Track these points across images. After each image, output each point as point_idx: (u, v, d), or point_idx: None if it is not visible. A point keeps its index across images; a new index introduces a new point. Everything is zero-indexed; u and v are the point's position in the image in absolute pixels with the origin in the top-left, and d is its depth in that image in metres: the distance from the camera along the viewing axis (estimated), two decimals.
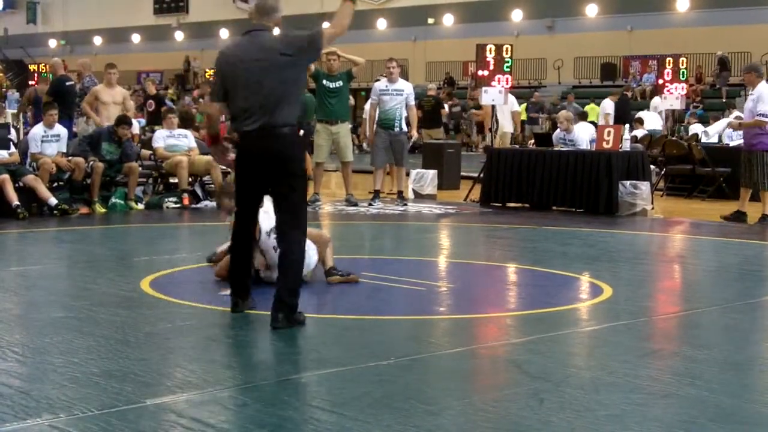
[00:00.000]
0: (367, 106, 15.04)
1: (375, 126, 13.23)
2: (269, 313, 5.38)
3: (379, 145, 13.06)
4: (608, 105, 19.05)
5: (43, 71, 25.95)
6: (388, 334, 5.51)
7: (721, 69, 29.31)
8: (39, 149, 11.48)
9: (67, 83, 14.00)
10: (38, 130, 11.70)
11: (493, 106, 14.86)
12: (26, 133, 13.22)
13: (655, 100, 20.99)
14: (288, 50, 5.40)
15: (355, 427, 3.68)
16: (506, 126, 17.40)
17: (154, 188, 13.20)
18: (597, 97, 31.44)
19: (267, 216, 6.15)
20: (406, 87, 13.14)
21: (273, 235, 6.11)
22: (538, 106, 27.38)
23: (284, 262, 5.40)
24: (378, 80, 14.62)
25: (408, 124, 13.36)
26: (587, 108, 22.43)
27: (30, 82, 26.95)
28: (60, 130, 11.73)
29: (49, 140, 11.59)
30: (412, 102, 13.29)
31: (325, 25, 5.85)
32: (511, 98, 18.00)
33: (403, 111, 13.01)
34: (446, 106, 27.40)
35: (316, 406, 3.95)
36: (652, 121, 19.55)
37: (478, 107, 20.67)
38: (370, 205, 12.85)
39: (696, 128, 19.56)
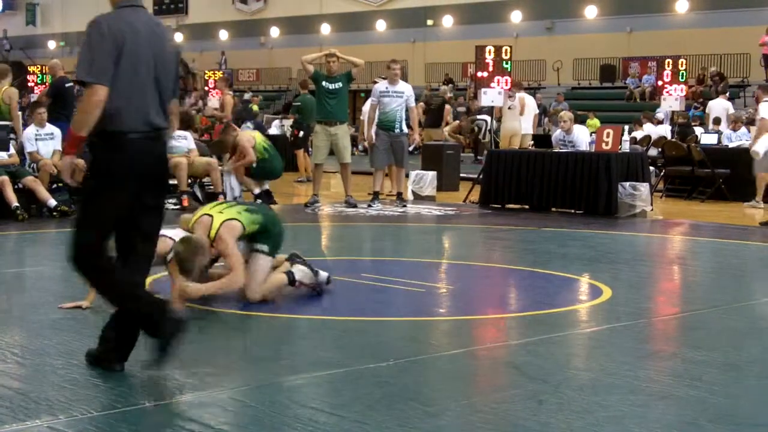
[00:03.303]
0: (366, 107, 15.05)
1: (375, 127, 13.23)
2: (269, 314, 5.38)
3: (380, 147, 13.06)
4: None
5: (41, 72, 25.90)
6: (388, 335, 5.51)
7: (720, 79, 29.38)
8: (35, 147, 11.52)
9: (67, 84, 13.99)
10: (31, 129, 11.77)
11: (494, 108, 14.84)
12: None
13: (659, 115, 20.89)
14: None
15: (354, 429, 3.68)
16: (527, 128, 17.36)
17: None
18: (596, 98, 31.54)
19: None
20: (407, 89, 13.15)
21: (241, 244, 6.15)
22: (540, 108, 27.37)
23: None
24: (376, 82, 14.63)
25: (409, 126, 13.36)
26: (588, 122, 22.46)
27: (29, 84, 26.92)
28: (53, 128, 11.77)
29: (43, 139, 11.63)
30: (413, 104, 13.30)
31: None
32: (531, 100, 18.03)
33: (404, 113, 13.02)
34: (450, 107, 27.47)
35: (315, 408, 3.94)
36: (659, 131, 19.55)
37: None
38: (369, 206, 12.85)
39: (696, 130, 19.59)
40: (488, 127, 20.69)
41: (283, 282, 6.28)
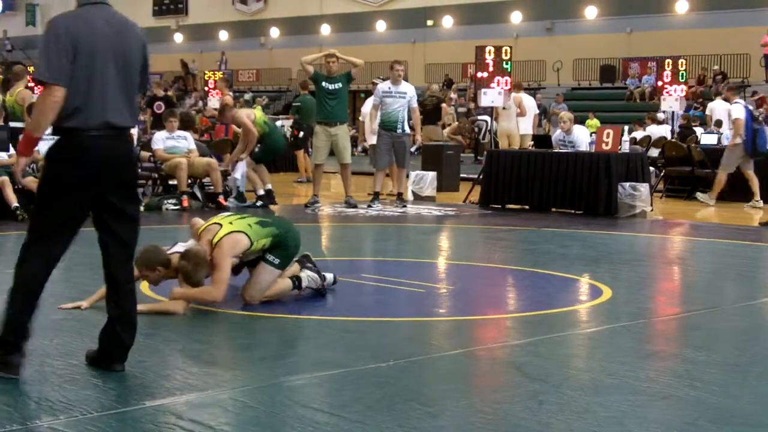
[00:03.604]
0: (366, 108, 15.05)
1: (377, 128, 13.25)
2: (269, 315, 5.38)
3: (382, 147, 13.08)
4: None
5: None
6: (388, 335, 5.50)
7: (723, 78, 29.41)
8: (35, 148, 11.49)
9: None
10: None
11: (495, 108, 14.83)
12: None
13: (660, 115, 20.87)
14: None
15: (354, 429, 3.68)
16: (527, 128, 17.36)
17: (154, 190, 13.20)
18: (596, 99, 31.54)
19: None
20: (409, 89, 13.16)
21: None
22: (540, 108, 27.39)
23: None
24: (375, 82, 14.62)
25: (411, 126, 13.34)
26: (588, 123, 22.46)
27: (29, 85, 26.87)
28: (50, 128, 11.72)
29: (44, 139, 11.56)
30: (415, 104, 13.30)
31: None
32: (531, 100, 18.02)
33: (406, 113, 13.01)
34: (451, 106, 27.47)
35: (315, 408, 3.94)
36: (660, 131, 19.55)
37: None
38: (369, 206, 12.85)
39: (696, 130, 19.60)
40: (488, 128, 20.68)
41: (288, 288, 6.25)
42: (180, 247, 5.95)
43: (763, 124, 14.43)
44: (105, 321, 4.49)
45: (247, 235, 5.91)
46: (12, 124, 11.94)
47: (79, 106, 4.18)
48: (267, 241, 6.01)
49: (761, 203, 13.77)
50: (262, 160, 13.07)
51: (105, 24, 4.29)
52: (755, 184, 13.92)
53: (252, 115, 12.90)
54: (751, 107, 14.53)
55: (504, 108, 16.45)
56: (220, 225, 5.94)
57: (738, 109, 14.18)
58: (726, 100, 15.44)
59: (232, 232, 5.88)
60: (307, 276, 6.33)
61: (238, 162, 12.86)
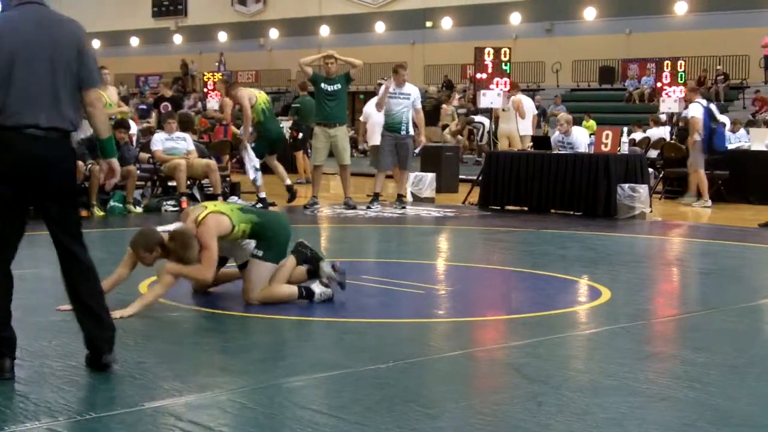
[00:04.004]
0: (367, 109, 15.03)
1: (381, 129, 13.28)
2: (268, 316, 5.36)
3: (385, 149, 13.08)
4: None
5: None
6: (387, 337, 5.50)
7: (725, 79, 29.44)
8: None
9: None
10: None
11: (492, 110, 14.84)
12: None
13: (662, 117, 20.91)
14: None
15: (353, 431, 3.68)
16: (527, 129, 17.36)
17: (153, 191, 13.20)
18: (595, 100, 31.55)
19: None
20: (413, 91, 13.13)
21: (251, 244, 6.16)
22: (539, 110, 27.40)
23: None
24: (380, 84, 14.62)
25: (416, 126, 13.30)
26: (584, 124, 22.46)
27: None
28: None
29: None
30: (419, 105, 13.28)
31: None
32: (530, 101, 18.04)
33: (410, 115, 12.97)
34: (451, 106, 27.46)
35: (314, 410, 3.94)
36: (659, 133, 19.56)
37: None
38: (368, 208, 12.85)
39: None
40: (486, 129, 20.71)
41: (293, 294, 6.21)
42: (170, 227, 6.01)
43: (722, 123, 14.88)
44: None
45: (229, 217, 6.00)
46: None
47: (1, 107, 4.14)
48: (247, 227, 6.08)
49: (696, 199, 14.16)
50: (260, 152, 13.12)
51: (35, 24, 4.24)
52: (704, 185, 14.28)
53: (253, 99, 13.00)
54: (713, 107, 14.96)
55: (503, 110, 16.47)
56: (205, 207, 6.09)
57: (695, 108, 14.44)
58: (686, 99, 15.91)
59: (214, 212, 5.98)
60: (321, 291, 6.25)
61: (245, 155, 12.97)
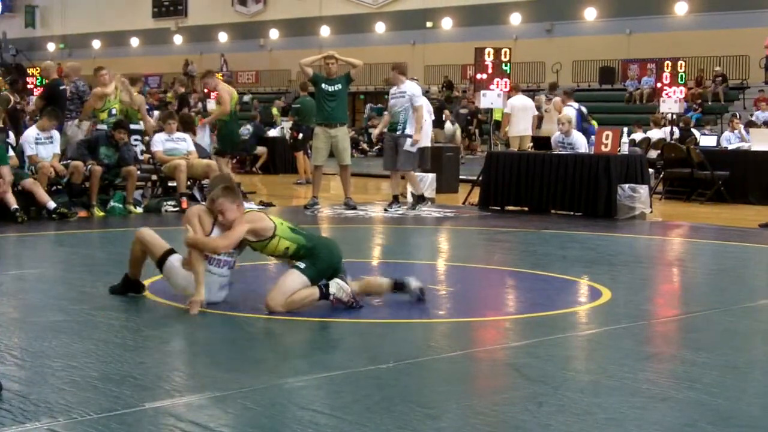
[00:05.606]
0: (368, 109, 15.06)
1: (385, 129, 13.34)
2: (268, 316, 5.34)
3: (386, 148, 13.05)
4: None
5: (40, 74, 25.92)
6: (387, 337, 5.50)
7: (723, 80, 29.42)
8: (34, 151, 11.57)
9: (61, 87, 13.97)
10: (32, 132, 11.83)
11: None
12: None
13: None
14: None
15: (353, 431, 3.68)
16: (528, 129, 17.38)
17: (153, 192, 13.20)
18: (595, 100, 31.56)
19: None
20: (409, 88, 12.93)
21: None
22: (540, 111, 27.40)
23: None
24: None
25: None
26: (584, 124, 22.47)
27: (29, 86, 26.90)
28: (53, 132, 11.84)
29: (43, 142, 11.69)
30: (418, 102, 12.79)
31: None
32: (530, 101, 18.08)
33: (408, 113, 12.83)
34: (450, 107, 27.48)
35: (315, 410, 3.94)
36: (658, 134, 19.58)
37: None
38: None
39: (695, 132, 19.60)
40: (476, 125, 20.81)
41: (314, 296, 6.02)
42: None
43: (593, 124, 16.13)
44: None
45: (274, 225, 5.99)
46: (132, 126, 12.82)
47: None
48: (292, 246, 5.98)
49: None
50: (220, 150, 13.65)
51: None
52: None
53: (231, 94, 13.66)
54: (584, 109, 16.16)
55: (546, 111, 16.87)
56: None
57: (568, 111, 14.94)
58: (562, 101, 16.52)
59: (263, 212, 6.12)
60: (338, 285, 6.06)
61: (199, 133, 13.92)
